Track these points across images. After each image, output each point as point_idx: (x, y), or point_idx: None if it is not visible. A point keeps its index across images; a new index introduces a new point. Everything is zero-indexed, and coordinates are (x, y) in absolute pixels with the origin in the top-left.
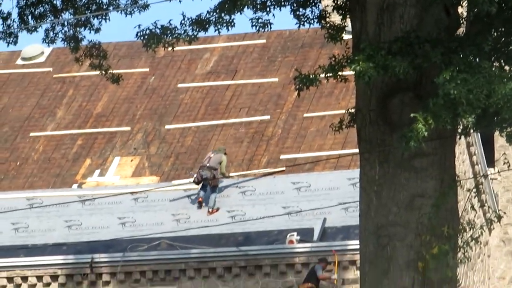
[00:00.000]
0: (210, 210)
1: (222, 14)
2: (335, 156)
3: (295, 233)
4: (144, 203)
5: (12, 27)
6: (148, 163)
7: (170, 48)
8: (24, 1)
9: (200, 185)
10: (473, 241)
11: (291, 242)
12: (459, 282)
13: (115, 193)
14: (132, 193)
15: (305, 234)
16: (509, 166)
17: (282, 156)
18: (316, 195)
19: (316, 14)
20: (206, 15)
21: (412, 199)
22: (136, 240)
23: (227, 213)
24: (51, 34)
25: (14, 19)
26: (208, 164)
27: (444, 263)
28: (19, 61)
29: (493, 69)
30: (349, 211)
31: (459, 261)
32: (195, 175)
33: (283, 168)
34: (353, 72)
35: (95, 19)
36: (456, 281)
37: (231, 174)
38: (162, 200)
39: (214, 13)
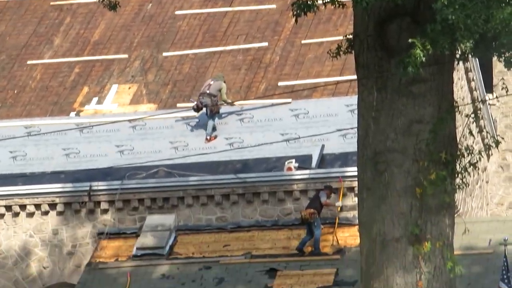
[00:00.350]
0: (208, 137)
1: None
2: (333, 83)
3: (293, 160)
4: (142, 130)
5: None
6: (145, 90)
7: None
8: None
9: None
10: (471, 166)
11: (289, 169)
12: (457, 208)
13: (113, 121)
14: (130, 120)
15: (303, 161)
16: (507, 91)
17: (280, 83)
18: (314, 122)
19: None
20: None
21: (410, 125)
22: (134, 168)
23: (225, 141)
24: None
25: None
26: (208, 91)
27: (442, 189)
28: None
29: None
30: (347, 137)
31: (457, 187)
32: (195, 103)
33: (289, 100)
34: None
35: None
36: (454, 207)
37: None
38: (160, 127)
39: None
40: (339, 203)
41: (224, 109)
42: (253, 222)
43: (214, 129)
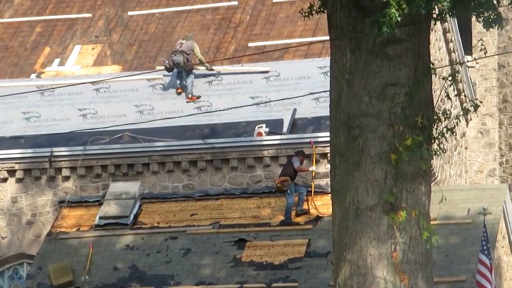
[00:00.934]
0: (190, 96)
1: None
2: (306, 44)
3: (264, 125)
4: (106, 93)
5: None
6: (110, 51)
7: None
8: None
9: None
10: (449, 132)
11: (259, 134)
12: (435, 176)
13: (75, 83)
14: (93, 83)
15: (274, 126)
16: (485, 52)
17: (250, 44)
18: (286, 85)
19: None
20: None
21: (385, 88)
22: (98, 132)
23: (193, 104)
24: None
25: None
26: (180, 49)
27: (418, 155)
28: None
29: None
30: (320, 101)
31: (433, 153)
32: (166, 61)
33: (268, 69)
34: None
35: None
36: (431, 174)
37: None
38: (124, 90)
39: None
40: (313, 168)
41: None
42: (221, 190)
43: (192, 87)
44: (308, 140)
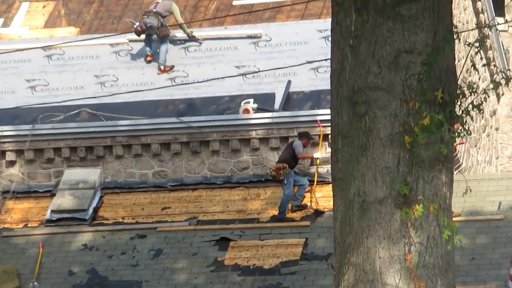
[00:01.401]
0: (162, 67)
1: None
2: (302, 2)
3: (252, 100)
4: (60, 61)
5: None
6: (64, 10)
7: None
8: None
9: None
10: (475, 109)
11: (246, 111)
12: (459, 162)
13: (22, 48)
14: (44, 48)
15: (264, 101)
16: None
17: (235, 2)
18: (278, 52)
19: None
20: None
21: (397, 56)
22: (49, 108)
23: (166, 75)
24: None
25: None
26: (155, 10)
27: (438, 137)
28: None
29: None
30: (319, 72)
31: (456, 134)
32: (137, 24)
33: (257, 32)
34: None
35: None
36: (453, 160)
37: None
38: (82, 57)
39: None
40: (318, 155)
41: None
42: (200, 179)
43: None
44: (304, 119)
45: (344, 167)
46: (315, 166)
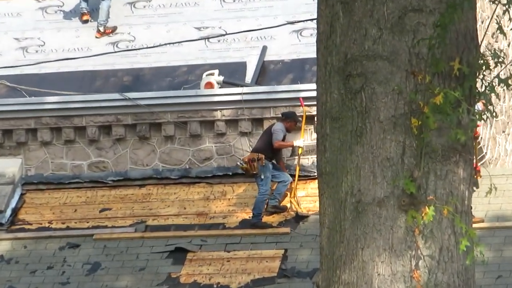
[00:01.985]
0: (102, 28)
1: None
2: None
3: (216, 71)
4: None
5: None
6: None
7: None
8: None
9: None
10: (502, 84)
11: (209, 85)
12: (482, 153)
13: None
14: None
15: (233, 73)
16: None
17: None
18: (251, 9)
19: None
20: None
21: (403, 16)
22: None
23: (106, 38)
24: None
25: None
26: None
27: (453, 119)
28: None
29: None
30: (303, 35)
31: (478, 117)
32: None
33: None
34: None
35: None
36: (474, 150)
37: None
38: None
39: None
40: (299, 142)
41: None
42: (149, 173)
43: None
44: (283, 96)
45: (333, 158)
46: (296, 157)
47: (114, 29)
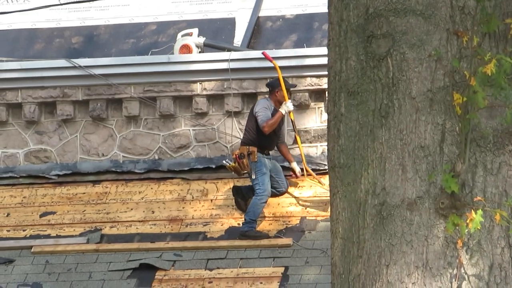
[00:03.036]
0: None
1: None
2: None
3: (195, 31)
4: None
5: None
6: None
7: None
8: None
9: None
10: None
11: (185, 49)
12: None
13: None
14: None
15: (217, 33)
16: None
17: None
18: None
19: None
20: None
21: None
22: None
23: None
24: None
25: None
26: None
27: (510, 94)
28: None
29: None
30: None
31: None
32: None
33: None
34: None
35: None
36: None
37: None
38: None
39: None
40: (286, 106)
41: None
42: (106, 165)
43: None
44: (286, 63)
45: (350, 145)
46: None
47: None
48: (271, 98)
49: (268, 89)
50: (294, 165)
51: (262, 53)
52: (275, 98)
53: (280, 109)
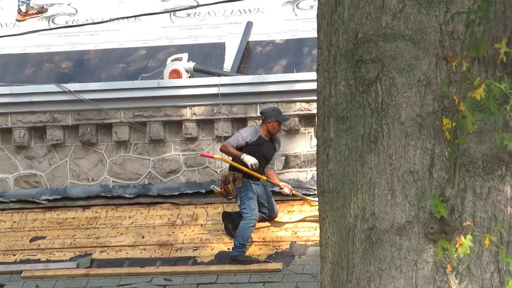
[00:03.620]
0: (24, 7)
1: None
2: None
3: (185, 56)
4: None
5: None
6: None
7: None
8: None
9: None
10: None
11: (175, 74)
12: None
13: None
14: None
15: (207, 58)
16: None
17: None
18: None
19: None
20: None
21: None
22: None
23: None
24: None
25: None
26: None
27: (498, 120)
28: None
29: None
30: (300, 8)
31: None
32: None
33: None
34: None
35: None
36: None
37: None
38: None
39: None
40: (249, 158)
41: None
42: (95, 190)
43: None
44: (275, 89)
45: (339, 170)
46: (289, 169)
47: (41, 10)
48: (262, 126)
49: (262, 117)
50: (282, 184)
51: (201, 154)
52: (265, 128)
53: (244, 155)
